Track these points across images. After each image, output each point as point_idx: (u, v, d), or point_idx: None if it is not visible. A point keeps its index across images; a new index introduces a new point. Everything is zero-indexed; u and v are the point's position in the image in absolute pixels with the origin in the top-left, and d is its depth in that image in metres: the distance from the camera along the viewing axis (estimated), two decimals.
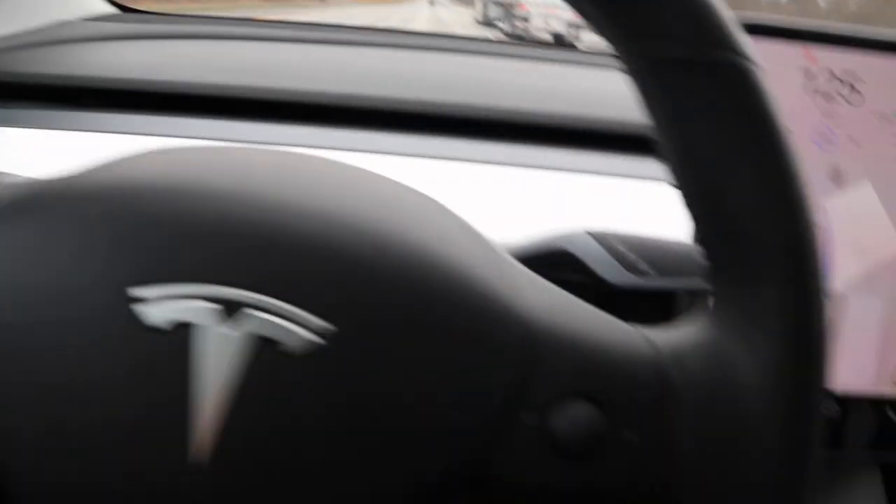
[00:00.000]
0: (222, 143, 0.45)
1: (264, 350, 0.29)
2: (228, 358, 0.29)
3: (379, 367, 0.29)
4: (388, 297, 0.29)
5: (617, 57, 0.30)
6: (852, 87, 0.49)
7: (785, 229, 0.29)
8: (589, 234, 0.43)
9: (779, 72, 0.48)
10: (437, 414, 0.29)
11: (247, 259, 0.29)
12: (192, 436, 0.29)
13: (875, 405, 0.51)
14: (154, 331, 0.28)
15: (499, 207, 0.55)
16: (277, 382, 0.29)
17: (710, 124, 0.29)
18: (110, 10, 1.09)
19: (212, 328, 0.29)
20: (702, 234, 0.31)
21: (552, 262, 0.42)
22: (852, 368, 0.51)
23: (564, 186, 0.56)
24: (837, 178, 0.50)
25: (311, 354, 0.29)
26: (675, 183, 0.31)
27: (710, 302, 0.31)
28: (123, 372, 0.29)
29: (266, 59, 0.82)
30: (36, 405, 0.29)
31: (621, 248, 0.42)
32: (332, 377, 0.29)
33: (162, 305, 0.29)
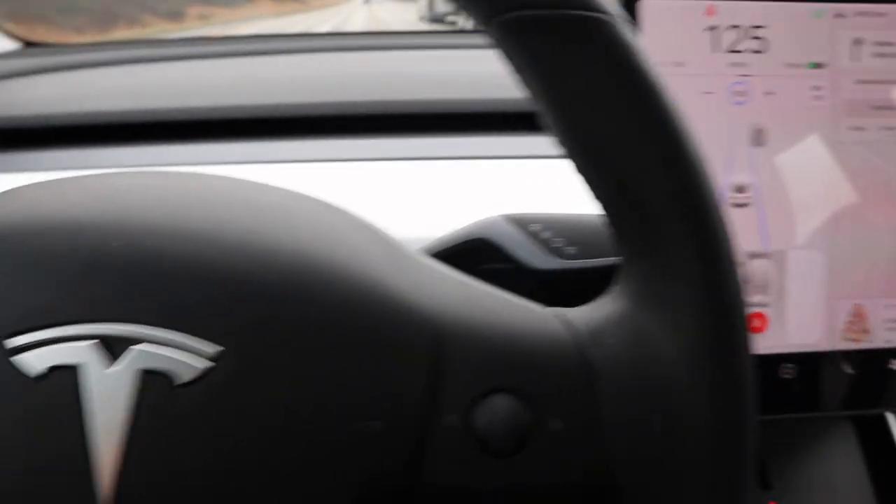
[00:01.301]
0: (108, 170, 0.42)
1: (155, 382, 0.27)
2: (119, 397, 0.26)
3: (278, 384, 0.27)
4: (276, 310, 0.27)
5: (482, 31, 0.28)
6: (758, 38, 0.48)
7: (679, 190, 0.27)
8: (506, 218, 0.41)
9: (684, 32, 0.47)
10: (347, 426, 0.27)
11: (123, 290, 0.27)
12: (94, 481, 0.26)
13: (832, 361, 0.50)
14: (39, 379, 0.26)
15: (410, 204, 0.53)
16: (173, 414, 0.27)
17: (578, 86, 0.27)
18: (12, 45, 1.05)
19: (97, 368, 0.26)
20: (602, 205, 0.29)
21: (472, 253, 0.40)
22: (802, 327, 0.50)
23: (474, 175, 0.55)
24: (759, 136, 0.49)
25: (204, 380, 0.27)
26: (565, 155, 0.29)
27: (621, 274, 0.30)
28: (14, 426, 0.27)
29: (174, 78, 0.79)
30: None
31: (541, 231, 0.40)
32: (229, 401, 0.27)
33: (41, 352, 0.27)
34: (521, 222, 0.41)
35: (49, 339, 0.27)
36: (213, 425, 0.27)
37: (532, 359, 0.29)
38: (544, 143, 0.60)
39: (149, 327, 0.27)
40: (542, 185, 0.54)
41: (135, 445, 0.26)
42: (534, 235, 0.40)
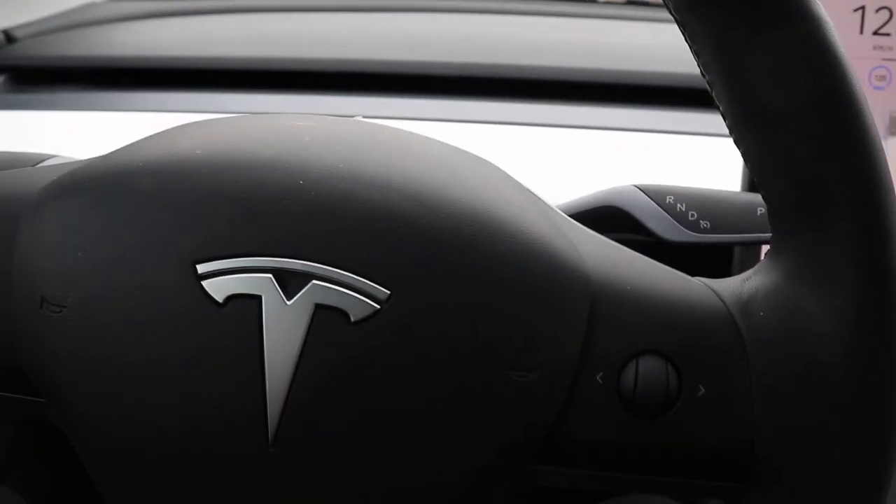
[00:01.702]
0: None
1: (329, 318, 0.28)
2: (295, 329, 0.28)
3: (444, 329, 0.28)
4: (446, 257, 0.29)
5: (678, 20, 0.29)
6: None
7: (853, 169, 0.27)
8: (639, 188, 0.41)
9: (834, 12, 0.46)
10: (502, 375, 0.29)
11: (306, 228, 0.29)
12: (265, 405, 0.28)
13: None
14: (222, 305, 0.28)
15: (547, 170, 0.54)
16: (344, 349, 0.28)
17: (760, 62, 0.27)
18: None
19: (277, 299, 0.28)
20: (763, 179, 0.29)
21: (601, 220, 0.40)
22: None
23: (611, 145, 0.55)
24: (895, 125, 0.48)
25: (375, 319, 0.28)
26: (734, 132, 0.29)
27: (774, 249, 0.30)
28: (194, 346, 0.28)
29: (296, 29, 0.81)
30: (108, 380, 0.29)
31: (675, 203, 0.40)
32: (396, 341, 0.28)
33: (226, 280, 0.28)
34: (655, 193, 0.41)
35: (234, 268, 0.28)
36: (380, 362, 0.28)
37: (684, 324, 0.29)
38: (678, 118, 0.60)
39: (326, 266, 0.28)
40: (672, 162, 0.54)
41: (305, 373, 0.28)
42: (668, 207, 0.40)
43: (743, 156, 0.30)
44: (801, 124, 0.27)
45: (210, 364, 0.29)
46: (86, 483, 0.78)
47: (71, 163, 0.34)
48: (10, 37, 0.79)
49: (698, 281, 0.31)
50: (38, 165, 0.45)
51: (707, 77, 0.29)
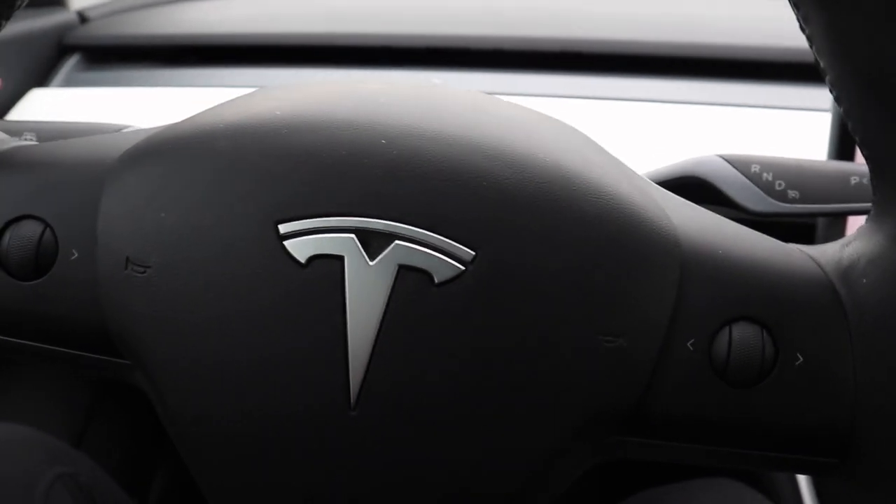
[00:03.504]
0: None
1: (413, 279, 0.28)
2: (378, 288, 0.28)
3: (531, 292, 0.28)
4: (534, 219, 0.28)
5: None
6: None
7: None
8: (723, 158, 0.40)
9: None
10: (590, 339, 0.28)
11: (389, 187, 0.28)
12: (347, 368, 0.28)
13: None
14: (305, 265, 0.28)
15: (630, 145, 0.52)
16: (427, 310, 0.28)
17: (887, 25, 0.24)
18: None
19: (359, 259, 0.28)
20: (866, 137, 0.27)
21: (684, 192, 0.39)
22: None
23: (694, 120, 0.53)
24: None
25: (460, 280, 0.27)
26: (834, 88, 0.28)
27: (877, 213, 0.28)
28: (276, 306, 0.28)
29: (365, 4, 0.81)
30: (192, 340, 0.29)
31: (760, 172, 0.39)
32: (483, 302, 0.28)
33: (309, 240, 0.28)
34: (740, 162, 0.39)
35: (316, 228, 0.28)
36: (466, 324, 0.28)
37: (781, 291, 0.28)
38: (763, 92, 0.58)
39: (410, 226, 0.28)
40: (757, 137, 0.52)
41: (388, 336, 0.28)
42: (754, 177, 0.39)
43: (844, 114, 0.28)
44: None
45: (292, 325, 0.28)
46: (159, 449, 0.80)
47: (151, 128, 0.34)
48: (83, 17, 0.80)
49: (793, 247, 0.30)
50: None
51: (807, 31, 0.28)
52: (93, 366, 0.32)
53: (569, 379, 0.28)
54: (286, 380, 0.29)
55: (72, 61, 0.74)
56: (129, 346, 0.31)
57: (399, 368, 0.28)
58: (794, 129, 0.55)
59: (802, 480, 0.57)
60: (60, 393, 0.73)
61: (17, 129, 0.44)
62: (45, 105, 0.66)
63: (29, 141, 0.42)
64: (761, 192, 0.39)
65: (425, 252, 0.28)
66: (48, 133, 0.47)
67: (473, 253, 0.27)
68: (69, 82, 0.71)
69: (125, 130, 0.46)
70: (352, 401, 0.28)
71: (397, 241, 0.28)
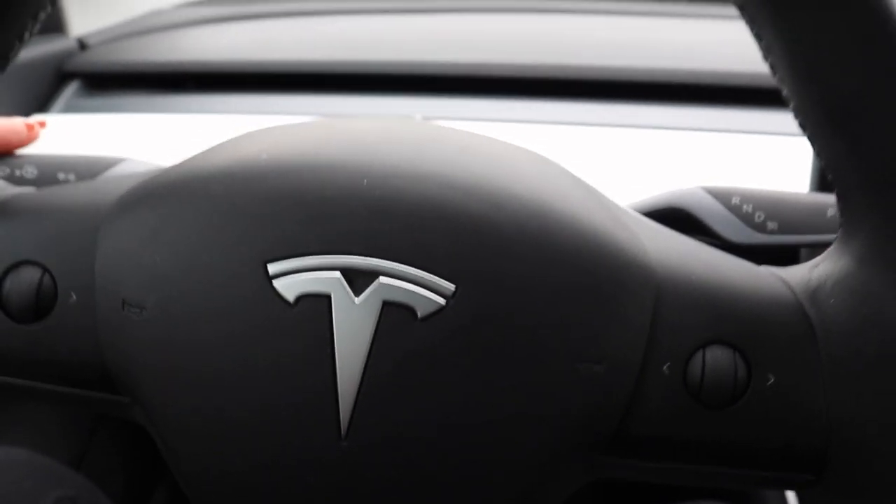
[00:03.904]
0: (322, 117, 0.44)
1: (397, 315, 0.29)
2: (364, 325, 0.29)
3: (512, 322, 0.29)
4: (512, 252, 0.29)
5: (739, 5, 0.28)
6: None
7: None
8: (705, 189, 0.41)
9: None
10: (569, 367, 0.29)
11: (371, 225, 0.29)
12: (337, 402, 0.29)
13: None
14: (293, 304, 0.29)
15: (610, 169, 0.53)
16: (412, 345, 0.29)
17: (832, 44, 0.26)
18: None
19: (345, 297, 0.29)
20: (831, 161, 0.28)
21: (667, 221, 0.40)
22: None
23: (673, 145, 0.54)
24: None
25: (442, 315, 0.29)
26: (798, 115, 0.28)
27: (844, 234, 0.29)
28: (267, 345, 0.29)
29: (355, 32, 0.82)
30: (186, 380, 0.30)
31: (741, 204, 0.40)
32: (465, 335, 0.29)
33: (295, 279, 0.29)
34: (721, 194, 0.40)
35: (303, 267, 0.29)
36: (448, 357, 0.29)
37: (753, 313, 0.29)
38: (742, 117, 0.59)
39: (393, 263, 0.29)
40: (737, 162, 0.53)
41: (374, 370, 0.29)
42: (734, 208, 0.40)
43: (809, 139, 0.29)
44: (871, 101, 0.26)
45: (283, 362, 0.29)
46: (158, 472, 0.80)
47: (144, 172, 0.35)
48: (83, 44, 0.81)
49: (765, 269, 0.31)
50: (113, 170, 0.47)
51: (769, 59, 0.28)
52: (93, 404, 0.34)
53: (549, 404, 0.29)
54: (278, 416, 0.30)
55: (71, 88, 0.75)
56: (127, 386, 0.32)
57: (386, 401, 0.29)
58: (780, 153, 0.56)
59: (791, 497, 0.58)
60: (62, 413, 0.73)
61: (19, 163, 0.45)
62: (45, 132, 0.67)
63: (30, 174, 0.43)
64: (741, 224, 0.40)
65: (407, 288, 0.29)
66: (49, 165, 0.48)
67: (454, 287, 0.29)
68: (69, 109, 0.73)
69: (118, 167, 0.47)
70: (342, 432, 0.29)
71: (381, 278, 0.29)
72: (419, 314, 0.29)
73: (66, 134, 0.68)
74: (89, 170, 0.49)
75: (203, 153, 0.34)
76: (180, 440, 0.31)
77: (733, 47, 0.63)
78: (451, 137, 0.34)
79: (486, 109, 0.62)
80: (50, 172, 0.48)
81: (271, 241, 0.29)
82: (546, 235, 0.29)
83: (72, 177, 0.49)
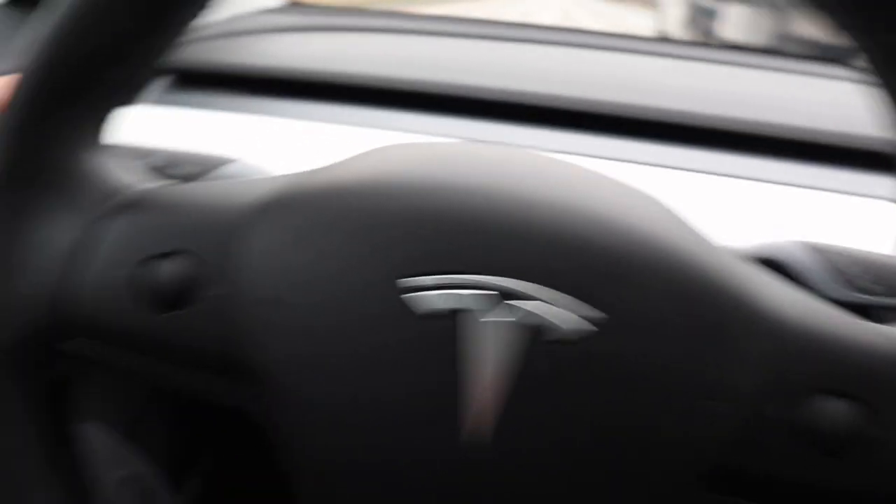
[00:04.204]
0: (413, 136, 0.44)
1: (522, 336, 0.30)
2: (489, 343, 0.30)
3: (644, 355, 0.30)
4: (651, 288, 0.30)
5: (858, 52, 0.29)
6: None
7: None
8: (806, 245, 0.42)
9: None
10: (688, 403, 0.30)
11: (503, 251, 0.30)
12: (459, 417, 0.30)
13: None
14: (424, 318, 0.30)
15: (712, 218, 0.54)
16: (533, 368, 0.30)
17: None
18: (280, 2, 1.15)
19: (474, 316, 0.30)
20: None
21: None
22: None
23: (781, 199, 0.55)
24: None
25: (579, 341, 0.30)
26: None
27: None
28: (395, 354, 0.31)
29: (437, 53, 0.83)
30: (317, 378, 0.31)
31: (842, 262, 0.41)
32: (596, 364, 0.30)
33: (429, 294, 0.30)
34: (824, 252, 0.41)
35: (434, 284, 0.30)
36: (572, 380, 0.30)
37: (871, 366, 0.30)
38: (841, 178, 0.60)
39: (523, 287, 0.30)
40: (830, 221, 0.54)
41: (509, 391, 0.30)
42: (835, 266, 0.41)
43: None
44: None
45: (409, 373, 0.31)
46: (196, 450, 0.81)
47: (278, 177, 0.37)
48: None
49: (883, 326, 0.32)
50: (225, 168, 0.49)
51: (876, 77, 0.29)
52: (220, 393, 0.35)
53: (666, 437, 0.30)
54: (399, 423, 0.31)
55: (164, 82, 0.77)
56: (257, 377, 0.33)
57: (507, 422, 0.30)
58: (867, 216, 0.56)
59: None
60: (118, 386, 0.75)
61: (137, 154, 0.47)
62: (138, 121, 0.69)
63: (154, 165, 0.45)
64: (842, 282, 0.41)
65: (535, 312, 0.30)
66: (163, 159, 0.50)
67: (582, 315, 0.30)
68: (160, 102, 0.75)
69: (233, 168, 0.49)
70: (463, 449, 0.30)
71: (509, 300, 0.30)
72: (545, 337, 0.30)
73: (157, 124, 0.70)
74: (203, 166, 0.51)
75: (340, 165, 0.35)
76: (303, 432, 0.32)
77: (835, 108, 0.64)
78: (573, 171, 0.35)
79: (584, 145, 0.63)
80: (165, 166, 0.50)
81: (405, 258, 0.31)
82: (679, 273, 0.30)
83: (186, 172, 0.51)
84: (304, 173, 0.36)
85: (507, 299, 0.30)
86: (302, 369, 0.32)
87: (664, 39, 1.02)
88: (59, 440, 0.37)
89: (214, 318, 0.33)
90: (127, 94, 0.36)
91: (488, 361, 0.30)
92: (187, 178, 0.51)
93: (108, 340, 0.35)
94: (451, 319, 0.30)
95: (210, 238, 0.33)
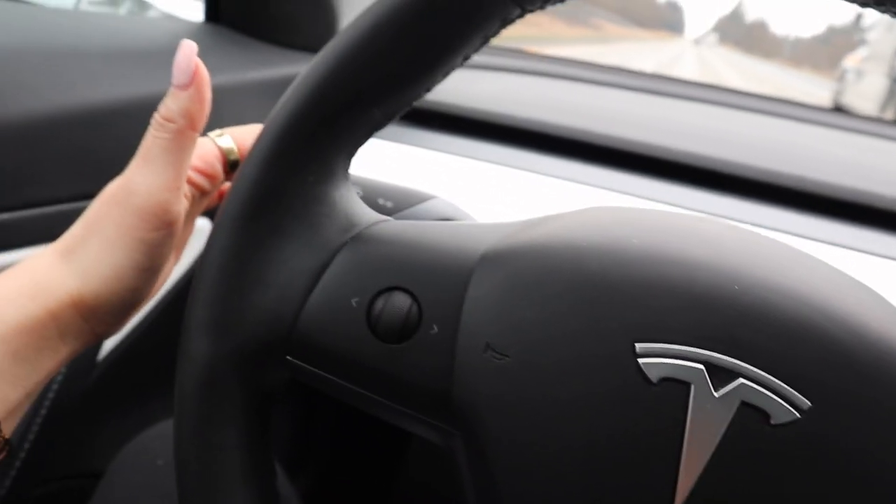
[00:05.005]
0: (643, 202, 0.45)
1: (751, 417, 0.30)
2: (717, 419, 0.30)
3: (851, 445, 0.30)
4: (864, 381, 0.30)
5: None
6: None
7: None
8: None
9: None
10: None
11: (739, 329, 0.31)
12: (675, 485, 0.31)
13: None
14: (655, 385, 0.31)
15: None
16: (758, 448, 0.30)
17: None
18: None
19: (705, 390, 0.31)
20: None
21: None
22: None
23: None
24: None
25: (793, 426, 0.30)
26: None
27: None
28: (622, 414, 0.31)
29: (631, 109, 0.84)
30: (534, 427, 0.33)
31: None
32: (802, 451, 0.30)
33: (661, 362, 0.31)
34: None
35: (670, 352, 0.31)
36: (790, 465, 0.30)
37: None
38: None
39: (756, 368, 0.30)
40: None
41: (718, 466, 0.30)
42: None
43: None
44: None
45: (633, 436, 0.31)
46: (304, 455, 0.83)
47: (502, 225, 0.39)
48: None
49: None
50: (424, 205, 0.51)
51: None
52: (426, 427, 0.37)
53: None
54: (613, 483, 0.32)
55: None
56: (467, 419, 0.34)
57: (722, 492, 0.30)
58: None
59: None
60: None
61: (356, 186, 0.50)
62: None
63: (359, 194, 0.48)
64: None
65: (766, 394, 0.30)
66: (372, 190, 0.53)
67: (810, 404, 0.30)
68: None
69: (432, 205, 0.52)
70: None
71: (742, 380, 0.30)
72: (772, 421, 0.30)
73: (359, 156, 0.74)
74: (406, 201, 0.54)
75: (565, 219, 0.37)
76: (510, 480, 0.33)
77: None
78: (803, 259, 0.36)
79: (795, 223, 0.62)
80: (372, 197, 0.54)
81: (642, 323, 0.32)
82: (891, 372, 0.30)
83: (390, 204, 0.54)
84: (528, 225, 0.37)
85: (731, 378, 0.31)
86: (520, 416, 0.33)
87: (839, 110, 0.99)
88: (262, 446, 0.40)
89: (426, 356, 0.35)
90: (375, 131, 0.39)
91: (712, 436, 0.30)
92: (392, 211, 0.54)
93: (330, 360, 0.37)
94: (684, 389, 0.31)
95: (429, 279, 0.35)
